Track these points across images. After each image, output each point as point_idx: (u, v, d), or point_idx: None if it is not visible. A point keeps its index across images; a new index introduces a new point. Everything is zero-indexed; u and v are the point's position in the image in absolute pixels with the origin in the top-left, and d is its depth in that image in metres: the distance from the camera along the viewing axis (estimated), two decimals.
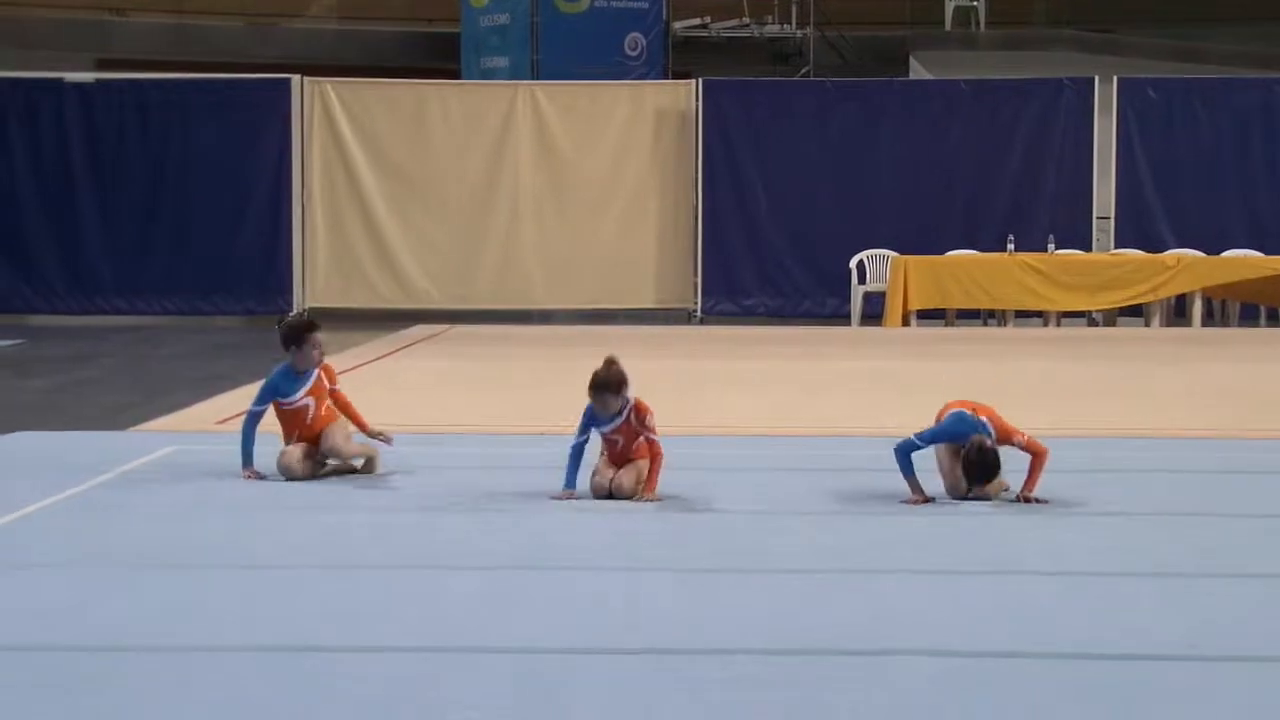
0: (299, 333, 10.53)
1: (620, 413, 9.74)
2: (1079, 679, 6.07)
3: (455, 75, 28.77)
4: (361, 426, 10.61)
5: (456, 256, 25.02)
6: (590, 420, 9.78)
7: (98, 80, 25.94)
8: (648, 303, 25.52)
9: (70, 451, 11.44)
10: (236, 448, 10.38)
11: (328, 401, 10.58)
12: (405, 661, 6.27)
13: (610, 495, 9.65)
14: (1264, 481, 10.55)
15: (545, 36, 28.37)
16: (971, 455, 9.41)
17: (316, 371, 10.58)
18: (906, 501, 9.45)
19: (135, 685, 5.99)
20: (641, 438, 9.75)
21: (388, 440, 10.55)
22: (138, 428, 12.71)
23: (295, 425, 10.47)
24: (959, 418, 9.58)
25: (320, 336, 10.61)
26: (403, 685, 5.97)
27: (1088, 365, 17.94)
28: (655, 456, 9.74)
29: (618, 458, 9.81)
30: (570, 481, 9.69)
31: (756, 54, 30.83)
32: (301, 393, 10.49)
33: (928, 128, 25.34)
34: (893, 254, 23.94)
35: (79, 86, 25.43)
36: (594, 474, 9.75)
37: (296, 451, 10.36)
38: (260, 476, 10.23)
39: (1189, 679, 6.11)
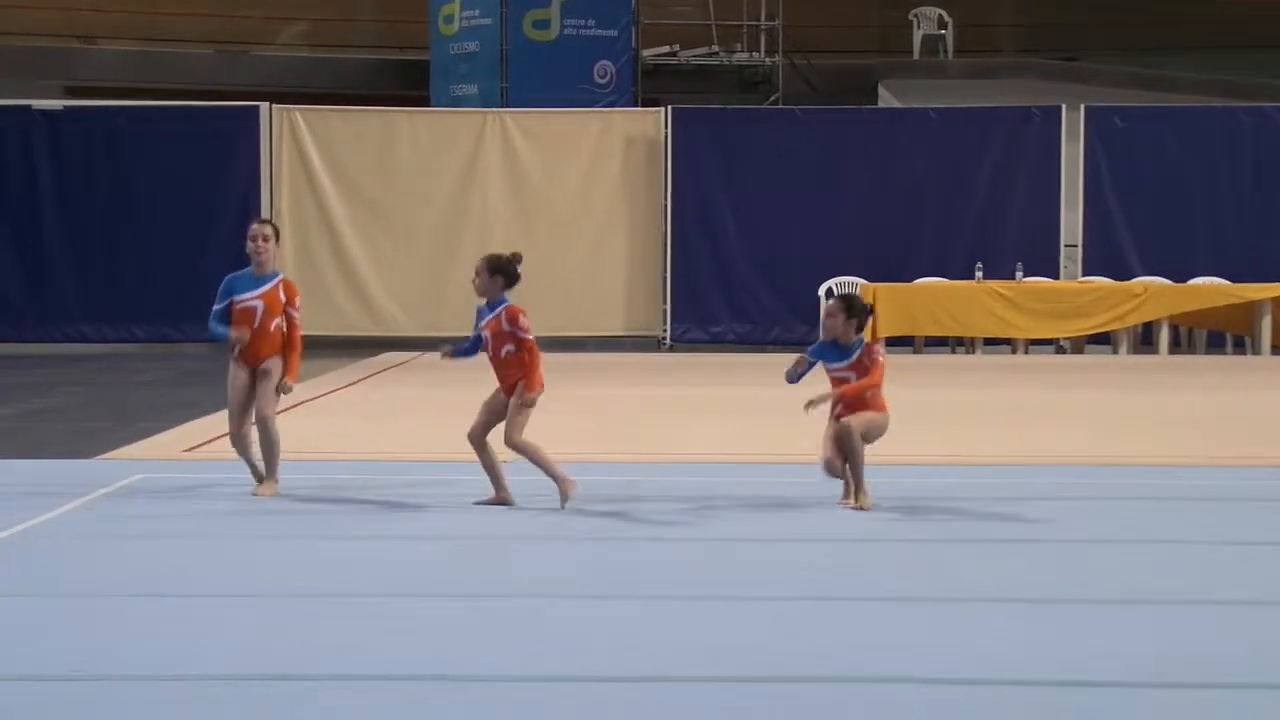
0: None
1: (495, 307, 10.33)
2: (1048, 705, 6.07)
3: (425, 102, 28.74)
4: (288, 370, 10.86)
5: (425, 283, 25.00)
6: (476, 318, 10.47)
7: (66, 108, 25.92)
8: (616, 330, 25.52)
9: (36, 479, 11.41)
10: (204, 476, 10.38)
11: (279, 320, 10.83)
12: (374, 691, 6.25)
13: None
14: (1229, 508, 10.58)
15: (514, 64, 28.36)
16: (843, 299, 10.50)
17: (276, 282, 10.92)
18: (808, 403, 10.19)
19: (90, 715, 5.97)
20: (509, 345, 10.26)
21: (287, 390, 10.94)
22: (105, 455, 12.68)
23: (244, 323, 10.77)
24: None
25: (257, 228, 11.01)
26: (371, 714, 5.95)
27: (1055, 393, 17.99)
28: (530, 358, 10.26)
29: (494, 363, 10.35)
30: (459, 352, 10.57)
31: (725, 82, 30.85)
32: (252, 294, 10.85)
33: (896, 156, 25.41)
34: (861, 281, 23.98)
35: (47, 114, 25.39)
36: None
37: (239, 397, 10.78)
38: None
39: (1157, 705, 6.11)
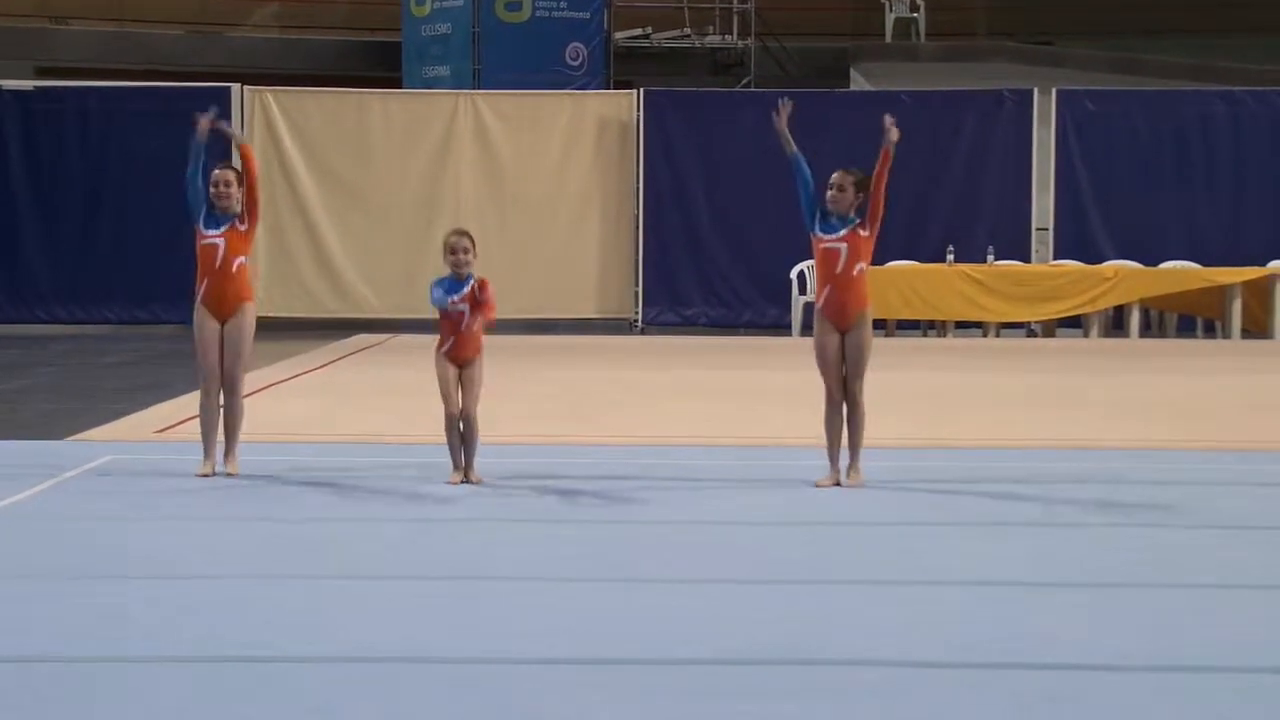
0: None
1: (468, 279, 10.52)
2: (1017, 690, 6.10)
3: (397, 84, 28.73)
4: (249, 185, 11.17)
5: (398, 265, 24.96)
6: (437, 292, 10.59)
7: (37, 88, 25.84)
8: (589, 312, 25.53)
9: (6, 460, 11.39)
10: (175, 457, 10.36)
11: (241, 259, 11.03)
12: (344, 672, 6.26)
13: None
14: (1198, 492, 10.62)
15: (486, 46, 28.37)
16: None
17: (234, 221, 11.06)
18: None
19: (62, 697, 5.96)
20: (477, 316, 10.54)
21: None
22: (75, 436, 12.67)
23: (206, 263, 10.92)
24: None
25: (217, 173, 11.19)
26: (341, 696, 5.96)
27: (1025, 376, 18.03)
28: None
29: (462, 336, 10.53)
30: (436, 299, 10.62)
31: (698, 64, 30.89)
32: (215, 232, 10.98)
33: (868, 139, 25.25)
34: None
35: (18, 94, 25.31)
36: (440, 370, 10.58)
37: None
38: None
39: (1125, 689, 6.14)
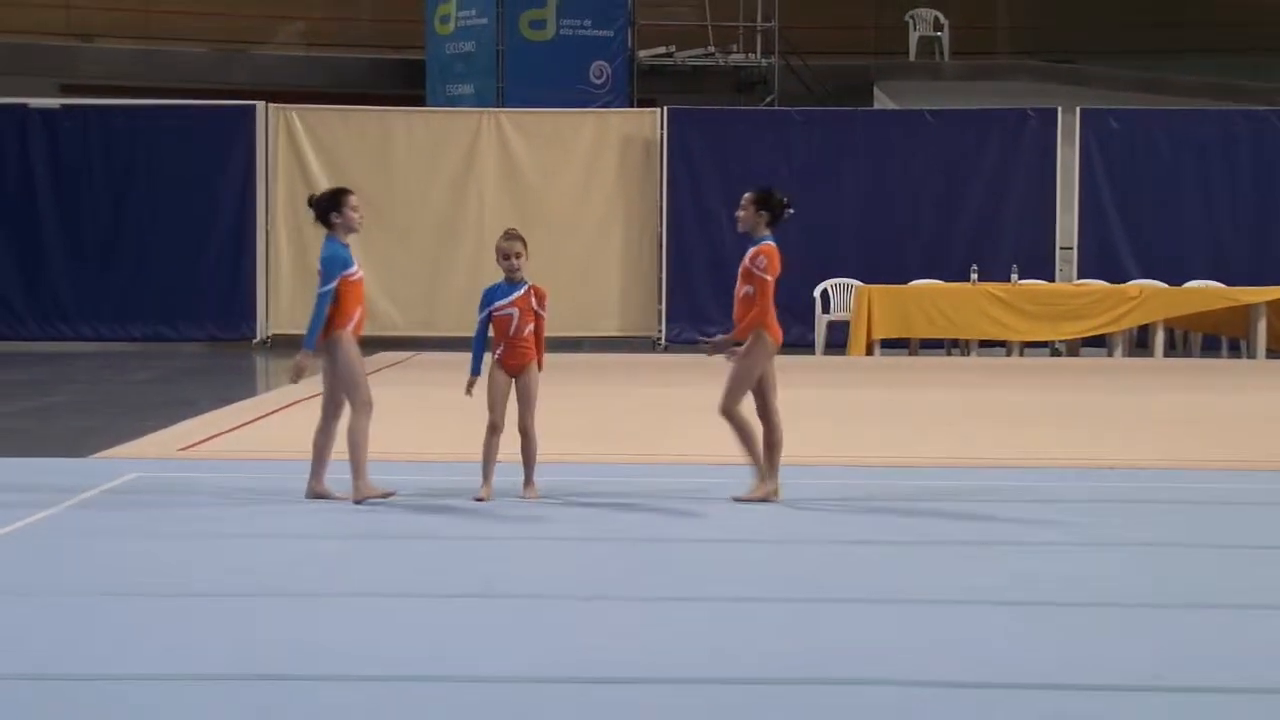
0: (338, 195, 10.72)
1: (522, 283, 10.59)
2: (1042, 710, 6.09)
3: (421, 102, 28.77)
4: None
5: (421, 283, 25.00)
6: (489, 297, 10.62)
7: (63, 106, 25.92)
8: (612, 330, 25.54)
9: (32, 478, 11.41)
10: (200, 475, 10.36)
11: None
12: (367, 690, 6.26)
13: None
14: (1224, 512, 10.59)
15: (511, 64, 28.40)
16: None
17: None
18: None
19: (82, 714, 5.97)
20: (531, 324, 10.62)
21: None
22: (101, 454, 12.68)
23: (357, 301, 10.56)
24: None
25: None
26: (364, 714, 5.96)
27: (1050, 395, 18.00)
28: (539, 336, 10.70)
29: (512, 341, 10.56)
30: (476, 368, 10.57)
31: (721, 83, 30.88)
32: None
33: (892, 157, 25.43)
34: (857, 283, 24.01)
35: (44, 112, 25.39)
36: (491, 378, 10.60)
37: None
38: None
39: (1153, 710, 6.13)
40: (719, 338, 10.76)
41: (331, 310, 10.49)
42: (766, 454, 10.59)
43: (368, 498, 10.30)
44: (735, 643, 6.98)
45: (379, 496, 10.31)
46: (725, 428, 10.61)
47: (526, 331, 10.64)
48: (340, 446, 10.47)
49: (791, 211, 10.88)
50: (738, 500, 10.49)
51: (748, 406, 10.66)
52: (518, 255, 10.70)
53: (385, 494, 10.34)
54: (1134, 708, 6.14)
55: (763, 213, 10.69)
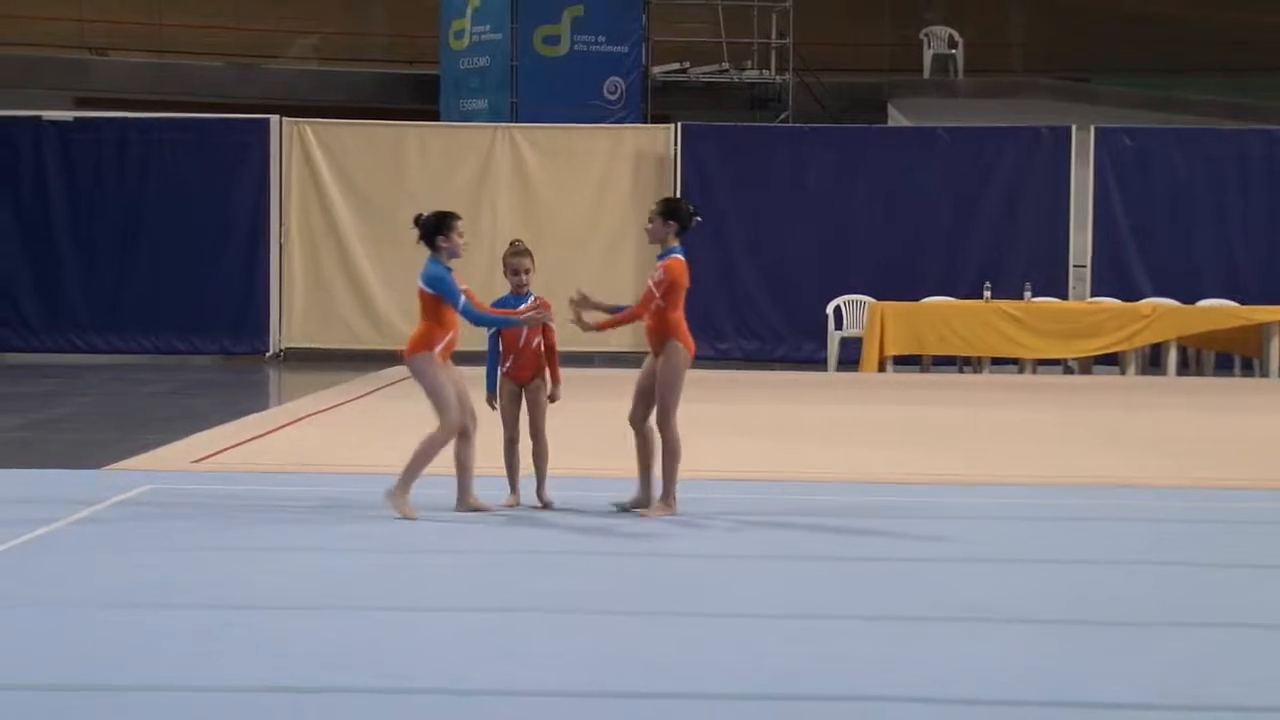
0: (446, 219, 10.65)
1: (529, 295, 10.75)
2: None
3: (434, 117, 28.80)
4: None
5: None
6: (500, 306, 10.78)
7: (76, 119, 25.96)
8: (624, 345, 25.48)
9: (43, 490, 11.42)
10: (212, 488, 10.36)
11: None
12: (375, 704, 6.25)
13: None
14: (1235, 531, 10.58)
15: (524, 79, 28.43)
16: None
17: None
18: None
19: None
20: (539, 336, 10.75)
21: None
22: (112, 466, 12.69)
23: (449, 327, 10.56)
24: None
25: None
26: None
27: (1062, 413, 17.97)
28: (550, 349, 10.87)
29: (521, 352, 10.70)
30: (491, 385, 10.75)
31: (735, 99, 30.90)
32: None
33: (905, 174, 25.42)
34: (869, 300, 24.00)
35: (58, 124, 25.44)
36: (501, 391, 10.75)
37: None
38: None
39: None
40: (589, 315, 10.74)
41: (424, 328, 10.46)
42: (649, 467, 10.62)
43: (400, 511, 10.31)
44: (737, 658, 6.97)
45: (404, 515, 10.31)
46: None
47: (535, 343, 10.69)
48: (483, 461, 10.57)
49: (699, 220, 10.80)
50: (643, 515, 10.54)
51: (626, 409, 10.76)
52: (526, 271, 10.75)
53: (408, 516, 10.33)
54: None
55: (671, 223, 10.67)
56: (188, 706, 6.19)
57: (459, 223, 10.67)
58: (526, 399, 10.70)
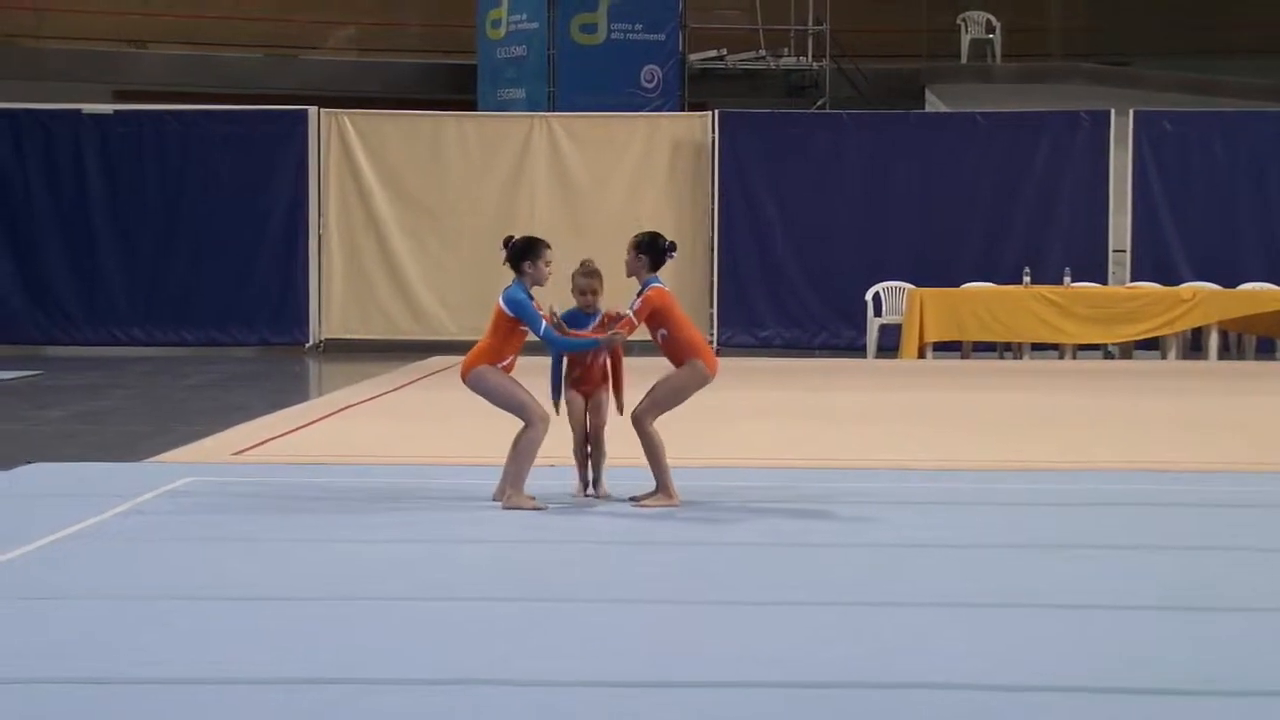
0: (535, 245, 10.65)
1: (597, 313, 10.66)
2: (1094, 713, 6.06)
3: (472, 107, 28.84)
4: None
5: (472, 287, 25.02)
6: (569, 322, 10.60)
7: (115, 111, 26.05)
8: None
9: (86, 483, 11.46)
10: (253, 479, 10.39)
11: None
12: (417, 695, 6.26)
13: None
14: (1274, 515, 10.52)
15: (562, 68, 28.45)
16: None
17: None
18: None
19: (142, 718, 5.99)
20: (606, 356, 10.66)
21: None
22: (154, 459, 12.72)
23: (513, 349, 10.56)
24: None
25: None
26: (414, 718, 5.97)
27: (1103, 398, 17.92)
28: (617, 362, 10.78)
29: (589, 368, 10.64)
30: (557, 391, 10.72)
31: (772, 86, 30.88)
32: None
33: (943, 160, 25.37)
34: (909, 286, 23.96)
35: (97, 118, 25.53)
36: (570, 404, 10.70)
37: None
38: None
39: (1206, 715, 6.09)
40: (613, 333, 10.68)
41: (490, 344, 10.51)
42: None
43: (524, 507, 10.33)
44: (792, 646, 6.96)
45: (530, 508, 10.34)
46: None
47: (602, 359, 10.67)
48: (544, 450, 10.57)
49: (673, 255, 10.77)
50: (638, 505, 10.55)
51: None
52: (594, 292, 10.77)
53: (536, 507, 10.37)
54: (1186, 712, 6.10)
55: (643, 257, 10.65)
56: (227, 699, 6.20)
57: (548, 251, 10.67)
58: (589, 405, 10.72)
